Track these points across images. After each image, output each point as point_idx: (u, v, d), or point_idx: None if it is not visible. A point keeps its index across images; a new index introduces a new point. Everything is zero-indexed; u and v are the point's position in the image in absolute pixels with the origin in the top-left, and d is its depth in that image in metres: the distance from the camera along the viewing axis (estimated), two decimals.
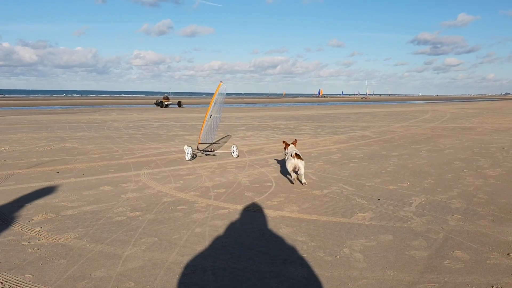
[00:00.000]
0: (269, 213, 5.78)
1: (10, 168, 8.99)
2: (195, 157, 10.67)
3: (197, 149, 10.83)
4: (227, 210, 5.90)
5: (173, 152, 11.56)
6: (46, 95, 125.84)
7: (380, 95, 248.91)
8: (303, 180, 7.56)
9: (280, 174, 8.52)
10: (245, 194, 6.84)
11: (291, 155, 7.69)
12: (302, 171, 7.53)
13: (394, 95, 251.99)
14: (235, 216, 5.64)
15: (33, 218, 5.48)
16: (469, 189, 7.20)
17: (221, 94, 10.87)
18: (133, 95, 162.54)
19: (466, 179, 7.98)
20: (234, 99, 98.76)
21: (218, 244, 4.61)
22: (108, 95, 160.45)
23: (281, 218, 5.53)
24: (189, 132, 17.33)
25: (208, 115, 10.92)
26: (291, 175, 7.67)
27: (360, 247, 4.53)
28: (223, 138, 11.02)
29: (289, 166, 7.62)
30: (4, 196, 6.57)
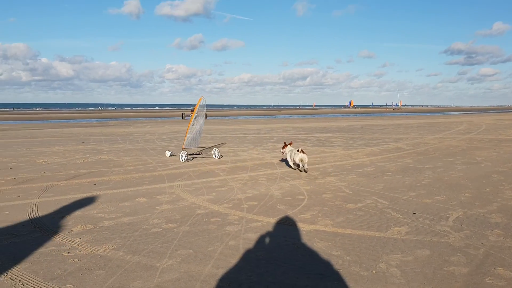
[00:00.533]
0: (303, 226, 5.75)
1: (49, 180, 9.30)
2: (191, 160, 12.58)
3: (185, 156, 12.43)
4: (260, 223, 5.92)
5: (204, 164, 11.69)
6: (82, 109, 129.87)
7: (412, 106, 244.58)
8: (306, 167, 10.20)
9: (313, 187, 8.48)
10: (278, 207, 6.84)
11: (297, 151, 10.27)
12: (306, 161, 10.12)
13: (427, 106, 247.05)
14: (269, 229, 5.64)
15: (72, 229, 5.65)
16: (509, 203, 6.97)
17: (202, 106, 13.01)
18: (165, 108, 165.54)
19: (506, 193, 7.72)
20: (266, 111, 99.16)
21: (252, 257, 4.62)
22: (142, 108, 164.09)
23: (315, 232, 5.50)
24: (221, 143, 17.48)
25: (191, 125, 13.01)
26: (297, 166, 10.38)
27: (396, 262, 4.45)
28: (219, 144, 13.03)
29: (297, 159, 10.12)
30: (45, 207, 6.80)
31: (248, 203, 7.10)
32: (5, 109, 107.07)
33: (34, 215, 6.33)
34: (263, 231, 5.55)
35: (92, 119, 51.27)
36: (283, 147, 11.29)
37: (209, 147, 13.25)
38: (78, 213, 6.46)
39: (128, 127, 32.14)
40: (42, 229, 5.65)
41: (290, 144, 11.26)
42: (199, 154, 13.32)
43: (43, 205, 7.00)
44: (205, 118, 13.20)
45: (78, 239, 5.23)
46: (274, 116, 67.98)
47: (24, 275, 4.14)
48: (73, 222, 5.97)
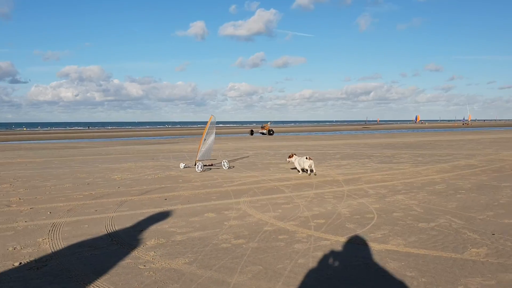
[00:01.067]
0: (374, 246, 5.60)
1: (123, 195, 9.79)
2: (206, 170, 14.27)
3: (194, 165, 14.39)
4: (329, 241, 5.84)
5: (269, 180, 11.76)
6: (150, 127, 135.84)
7: (484, 120, 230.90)
8: (314, 171, 12.83)
9: (382, 205, 8.25)
10: (346, 225, 6.71)
11: (306, 158, 12.81)
12: (313, 166, 12.69)
13: (500, 120, 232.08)
14: (338, 248, 5.55)
15: (147, 242, 5.89)
16: None
17: (212, 123, 15.14)
18: (228, 125, 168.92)
19: None
20: (328, 126, 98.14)
21: (322, 276, 4.56)
22: (203, 125, 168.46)
23: (387, 252, 5.33)
24: (283, 161, 17.51)
25: (203, 140, 14.87)
26: (305, 171, 13.06)
27: (476, 286, 4.20)
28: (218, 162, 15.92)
29: (307, 165, 12.73)
30: (120, 221, 7.17)
31: (315, 221, 7.04)
32: (81, 128, 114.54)
33: (111, 229, 6.69)
34: (332, 249, 5.47)
35: (160, 137, 53.46)
36: (290, 157, 13.76)
37: (218, 162, 15.89)
38: (151, 227, 6.74)
39: (193, 144, 33.13)
40: (119, 242, 5.95)
41: (295, 154, 14.04)
42: (211, 165, 15.28)
43: (119, 219, 7.38)
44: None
45: (153, 252, 5.44)
46: (337, 132, 67.09)
47: (104, 286, 4.36)
48: (147, 236, 6.23)
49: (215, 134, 15.54)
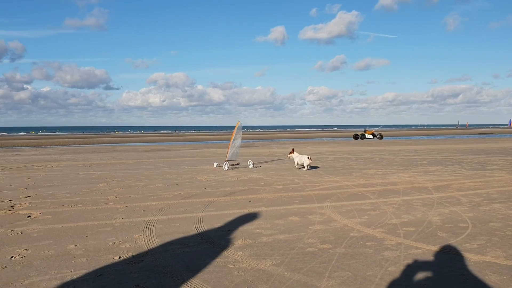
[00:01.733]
0: (469, 257, 5.27)
1: (210, 195, 10.15)
2: (231, 169, 16.32)
3: (227, 166, 16.19)
4: (420, 250, 5.59)
5: (352, 186, 11.53)
6: (230, 131, 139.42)
7: None
8: (306, 169, 15.30)
9: (476, 214, 7.73)
10: (438, 234, 6.38)
11: (307, 158, 15.39)
12: (310, 164, 15.44)
13: None
14: (430, 257, 5.29)
15: (234, 243, 6.05)
16: None
17: (239, 128, 17.26)
18: (306, 129, 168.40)
19: None
20: (412, 131, 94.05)
21: (416, 285, 4.38)
22: (282, 129, 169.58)
23: (485, 264, 4.98)
24: (366, 166, 17.08)
25: (232, 143, 17.19)
26: (302, 167, 15.60)
27: None
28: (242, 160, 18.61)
29: (306, 163, 15.28)
30: (209, 221, 7.44)
31: (404, 228, 6.77)
32: (169, 131, 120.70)
33: (200, 228, 6.96)
34: (424, 258, 5.23)
35: (242, 140, 54.62)
36: (290, 152, 16.40)
37: (239, 160, 18.53)
38: (238, 227, 6.91)
39: (272, 147, 33.45)
40: (208, 241, 6.18)
41: (294, 150, 16.54)
42: (237, 164, 17.29)
43: (207, 218, 7.66)
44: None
45: (241, 252, 5.58)
46: (423, 136, 63.98)
47: (197, 283, 4.56)
48: (234, 236, 6.41)
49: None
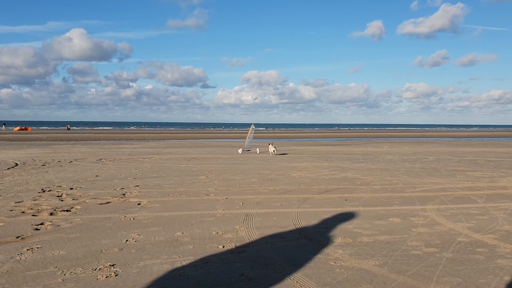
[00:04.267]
0: None
1: (304, 192, 10.17)
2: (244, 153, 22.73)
3: (243, 151, 23.75)
4: None
5: (456, 188, 10.83)
6: (320, 128, 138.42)
7: None
8: (275, 154, 21.97)
9: None
10: None
11: (273, 146, 22.25)
12: (275, 152, 22.06)
13: None
14: None
15: (334, 240, 6.02)
16: None
17: (253, 129, 26.68)
18: (401, 128, 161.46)
19: None
20: None
21: None
22: (375, 128, 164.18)
23: None
24: (470, 168, 15.93)
25: (248, 138, 25.76)
26: (272, 153, 22.01)
27: None
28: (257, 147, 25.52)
29: (272, 150, 21.99)
30: (306, 217, 7.47)
31: None
32: (261, 128, 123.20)
33: (298, 223, 7.02)
34: None
35: (330, 138, 53.97)
36: (269, 144, 22.97)
37: (252, 149, 25.45)
38: (336, 226, 6.85)
39: (366, 146, 32.56)
40: (307, 237, 6.21)
41: (272, 143, 23.00)
42: (249, 150, 24.80)
43: (303, 214, 7.70)
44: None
45: (341, 251, 5.53)
46: None
47: (299, 277, 4.61)
48: (333, 234, 6.37)
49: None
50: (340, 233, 6.39)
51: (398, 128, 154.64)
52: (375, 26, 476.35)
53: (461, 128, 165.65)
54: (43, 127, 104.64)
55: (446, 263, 5.03)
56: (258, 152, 23.79)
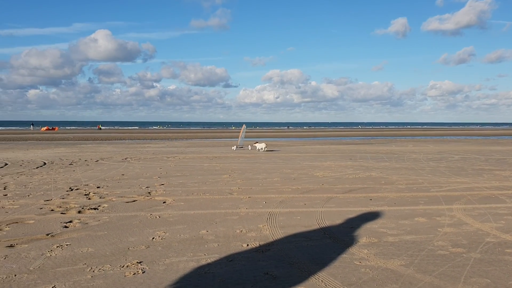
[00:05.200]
0: None
1: (328, 192, 10.13)
2: (238, 150, 25.15)
3: (236, 148, 26.37)
4: None
5: (484, 188, 10.61)
6: (343, 127, 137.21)
7: None
8: (263, 150, 23.89)
9: None
10: None
11: (262, 144, 24.27)
12: (264, 148, 23.94)
13: None
14: None
15: (358, 240, 5.99)
16: None
17: (245, 129, 29.65)
18: (426, 126, 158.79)
19: None
20: None
21: None
22: (398, 126, 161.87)
23: None
24: (498, 167, 15.56)
25: (240, 137, 28.91)
26: (260, 150, 24.00)
27: None
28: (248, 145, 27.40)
29: (262, 147, 24.00)
30: (330, 217, 7.45)
31: None
32: (281, 128, 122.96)
33: (322, 223, 7.01)
34: None
35: (353, 137, 53.49)
36: (254, 143, 25.33)
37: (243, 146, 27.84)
38: (361, 225, 6.82)
39: (390, 145, 32.15)
40: (331, 236, 6.20)
41: (256, 143, 24.87)
42: (242, 147, 27.14)
43: (327, 214, 7.68)
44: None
45: (366, 250, 5.50)
46: None
47: (324, 276, 4.61)
48: (358, 233, 6.33)
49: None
50: (365, 233, 6.35)
51: (423, 127, 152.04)
52: (399, 23, 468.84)
53: (488, 126, 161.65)
54: (71, 127, 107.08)
55: (474, 263, 4.95)
56: (249, 149, 25.94)
